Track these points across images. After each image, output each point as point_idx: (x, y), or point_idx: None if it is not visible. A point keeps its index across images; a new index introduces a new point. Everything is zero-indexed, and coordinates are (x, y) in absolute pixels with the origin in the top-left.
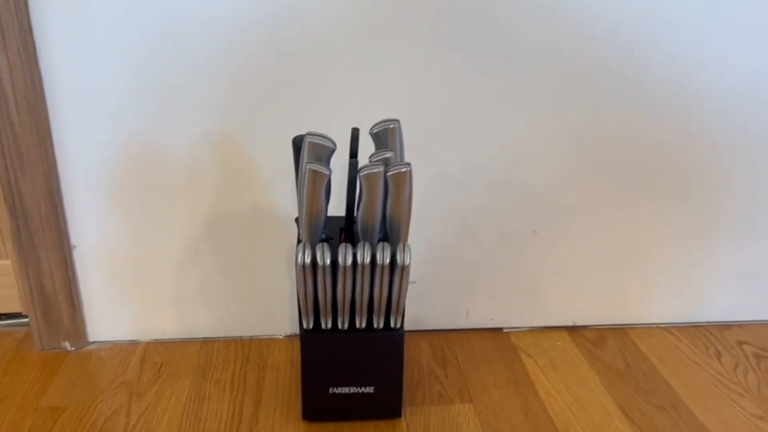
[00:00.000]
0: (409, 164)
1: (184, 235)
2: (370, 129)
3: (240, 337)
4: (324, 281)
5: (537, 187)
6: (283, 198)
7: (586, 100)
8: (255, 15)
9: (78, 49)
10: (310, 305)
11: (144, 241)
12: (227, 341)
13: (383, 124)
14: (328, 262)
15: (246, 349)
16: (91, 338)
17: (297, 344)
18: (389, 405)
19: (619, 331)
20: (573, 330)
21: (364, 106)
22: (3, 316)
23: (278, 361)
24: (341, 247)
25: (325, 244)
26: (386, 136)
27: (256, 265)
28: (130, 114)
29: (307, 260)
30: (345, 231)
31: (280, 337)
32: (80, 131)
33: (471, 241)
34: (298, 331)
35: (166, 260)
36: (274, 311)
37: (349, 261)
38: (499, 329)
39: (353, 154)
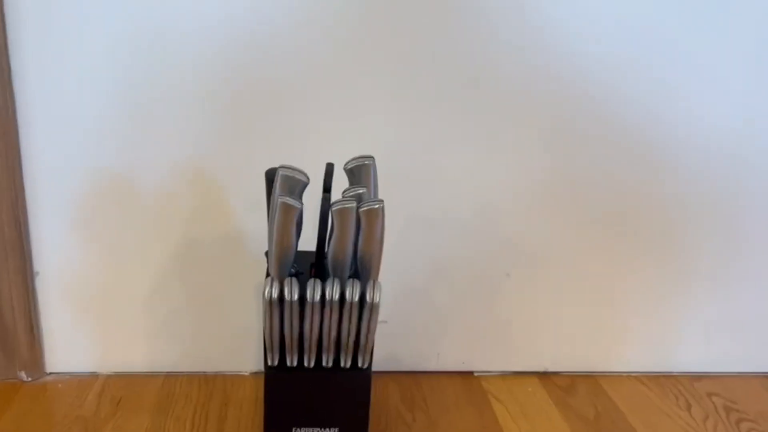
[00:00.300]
0: (381, 201)
1: (152, 265)
2: (345, 164)
3: (205, 372)
4: (291, 317)
5: (511, 231)
6: (255, 232)
7: (560, 148)
8: (232, 47)
9: (54, 72)
10: (276, 341)
11: (110, 271)
12: (191, 376)
13: (358, 160)
14: (296, 297)
15: (210, 386)
16: (48, 369)
17: (262, 382)
18: None
19: (590, 378)
20: (544, 376)
21: (339, 142)
22: None
23: (242, 399)
24: (310, 283)
25: (294, 279)
26: (360, 172)
27: (225, 300)
28: (104, 141)
29: (275, 294)
30: (315, 266)
31: (246, 374)
32: (51, 156)
33: (443, 283)
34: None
35: (132, 291)
36: (241, 347)
37: (317, 297)
38: (470, 373)
39: (326, 188)
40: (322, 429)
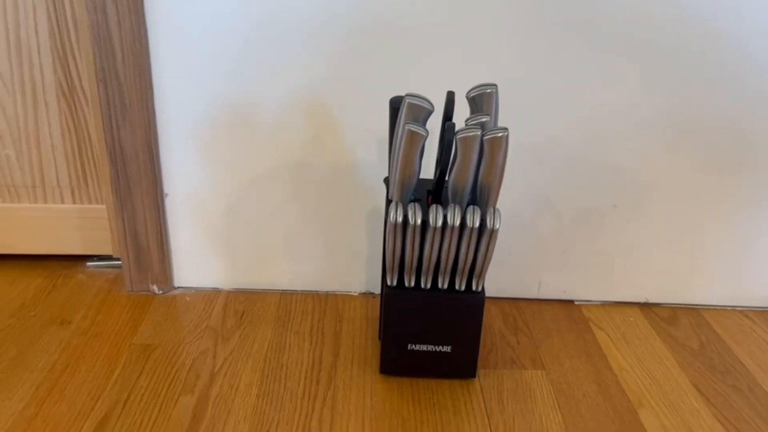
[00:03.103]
0: (506, 129)
1: (269, 189)
2: (467, 93)
3: (317, 291)
4: (413, 240)
5: (621, 163)
6: (366, 160)
7: (676, 84)
8: None
9: (185, 8)
10: (396, 263)
11: (231, 194)
12: (305, 294)
13: (480, 88)
14: (419, 221)
15: (323, 304)
16: (177, 283)
17: (371, 302)
18: (465, 365)
19: (693, 311)
20: (645, 307)
21: (453, 70)
22: (95, 258)
23: (354, 317)
24: (432, 208)
25: (417, 204)
26: (482, 100)
27: (337, 224)
28: (227, 69)
29: (399, 219)
30: (433, 193)
31: (355, 294)
32: (179, 84)
33: (548, 213)
34: (372, 290)
35: (251, 213)
36: (351, 269)
37: (440, 222)
38: (571, 301)
39: (448, 116)
40: (436, 347)
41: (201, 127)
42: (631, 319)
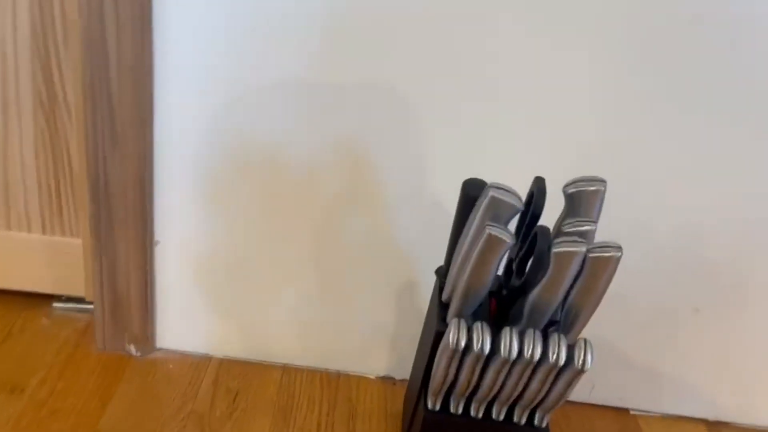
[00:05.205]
0: (619, 248)
1: (284, 247)
2: (564, 186)
3: (326, 369)
4: (473, 368)
5: (711, 258)
6: (406, 227)
7: None
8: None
9: (196, 19)
10: (445, 387)
11: (236, 247)
12: (311, 372)
13: (583, 183)
14: (487, 349)
15: (333, 387)
16: (159, 344)
17: (392, 392)
18: None
19: None
20: (713, 426)
21: (538, 143)
22: (64, 298)
23: (371, 411)
24: (504, 333)
25: (484, 325)
26: (582, 198)
27: (360, 295)
28: (250, 100)
29: (461, 343)
30: (501, 303)
31: (372, 377)
32: (188, 112)
33: (617, 307)
34: (392, 375)
35: (257, 271)
36: (371, 348)
37: (514, 353)
38: (626, 410)
39: (535, 212)
40: None
41: (209, 166)
42: None
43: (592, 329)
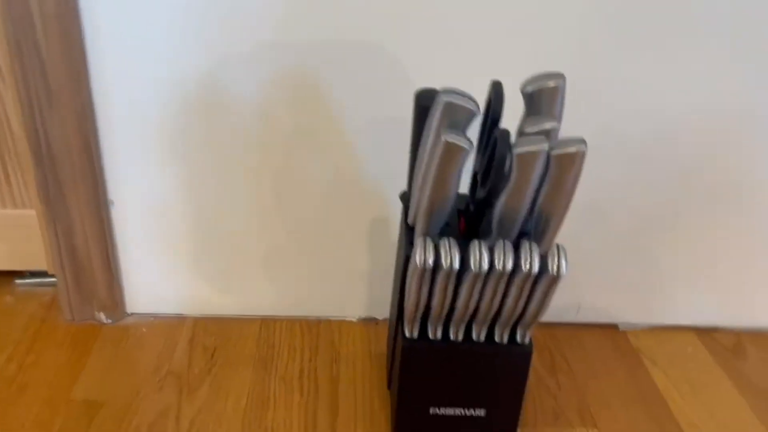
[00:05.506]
0: (582, 141)
1: (247, 195)
2: (522, 85)
3: (306, 317)
4: (445, 287)
5: (688, 163)
6: (369, 160)
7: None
8: None
9: None
10: (420, 311)
11: (199, 200)
12: (291, 321)
13: (541, 80)
14: (457, 265)
15: (314, 334)
16: (129, 309)
17: (374, 331)
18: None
19: (760, 336)
20: (703, 333)
21: (494, 47)
22: (27, 274)
23: (354, 354)
24: (473, 246)
25: (452, 241)
26: (541, 97)
27: (331, 237)
28: (190, 35)
29: (430, 261)
30: (470, 220)
31: (354, 320)
32: (124, 59)
33: (597, 223)
34: (374, 315)
35: (223, 224)
36: (348, 290)
37: (485, 266)
38: (614, 326)
39: (496, 118)
40: (466, 410)
41: (157, 115)
42: (689, 349)
43: (571, 246)
